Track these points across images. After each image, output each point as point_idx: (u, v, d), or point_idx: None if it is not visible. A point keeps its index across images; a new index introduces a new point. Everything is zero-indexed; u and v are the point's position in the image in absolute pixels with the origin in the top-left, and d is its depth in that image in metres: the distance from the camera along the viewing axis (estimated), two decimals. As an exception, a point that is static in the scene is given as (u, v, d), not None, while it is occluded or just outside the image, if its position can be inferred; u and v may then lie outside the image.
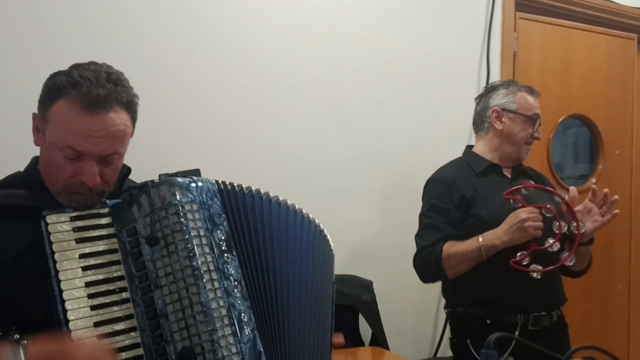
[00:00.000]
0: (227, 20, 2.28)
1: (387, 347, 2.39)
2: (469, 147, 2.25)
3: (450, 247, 1.96)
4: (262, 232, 1.30)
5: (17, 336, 1.09)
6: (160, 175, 1.26)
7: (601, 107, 3.27)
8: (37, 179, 1.29)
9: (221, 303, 1.14)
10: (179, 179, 1.21)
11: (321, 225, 1.40)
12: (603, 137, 3.29)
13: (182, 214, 1.17)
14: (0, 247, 1.21)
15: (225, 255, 1.19)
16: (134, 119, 1.27)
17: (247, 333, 1.15)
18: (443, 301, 2.66)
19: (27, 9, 1.97)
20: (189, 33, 2.22)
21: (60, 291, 1.14)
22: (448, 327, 2.23)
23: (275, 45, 2.36)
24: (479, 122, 2.19)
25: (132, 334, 1.16)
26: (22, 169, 1.37)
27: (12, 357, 1.07)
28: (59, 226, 1.19)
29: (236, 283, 1.18)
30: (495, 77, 2.86)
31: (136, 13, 2.13)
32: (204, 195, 1.21)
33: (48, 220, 1.18)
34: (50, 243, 1.16)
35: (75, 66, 1.24)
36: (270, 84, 2.36)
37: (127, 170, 1.41)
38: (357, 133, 2.54)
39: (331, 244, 1.43)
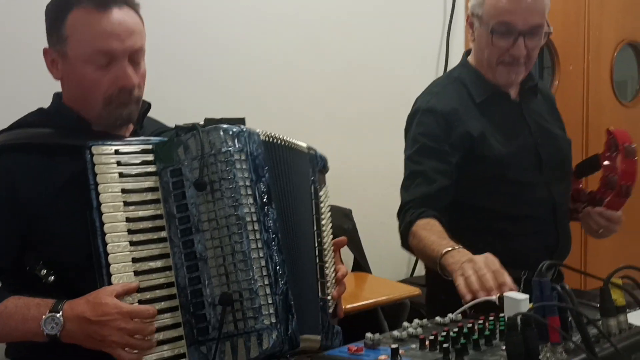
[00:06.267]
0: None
1: (369, 271, 2.49)
2: (466, 54, 1.79)
3: (423, 228, 1.51)
4: (297, 188, 1.33)
5: (50, 278, 1.13)
6: (205, 119, 1.25)
7: (556, 23, 3.35)
8: (66, 114, 1.30)
9: (261, 254, 1.16)
10: (229, 127, 1.20)
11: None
12: (559, 53, 3.33)
13: (231, 162, 1.17)
14: (38, 185, 1.21)
15: (266, 207, 1.20)
16: (142, 21, 1.31)
17: (280, 285, 1.18)
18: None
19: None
20: None
21: (102, 224, 1.15)
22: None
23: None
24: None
25: (168, 272, 1.19)
26: None
27: (51, 319, 1.10)
28: (104, 158, 1.18)
29: (274, 236, 1.20)
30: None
31: None
32: (251, 145, 1.21)
33: (94, 151, 1.17)
34: (95, 175, 1.16)
35: None
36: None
37: (147, 105, 1.41)
38: (334, 64, 2.59)
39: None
